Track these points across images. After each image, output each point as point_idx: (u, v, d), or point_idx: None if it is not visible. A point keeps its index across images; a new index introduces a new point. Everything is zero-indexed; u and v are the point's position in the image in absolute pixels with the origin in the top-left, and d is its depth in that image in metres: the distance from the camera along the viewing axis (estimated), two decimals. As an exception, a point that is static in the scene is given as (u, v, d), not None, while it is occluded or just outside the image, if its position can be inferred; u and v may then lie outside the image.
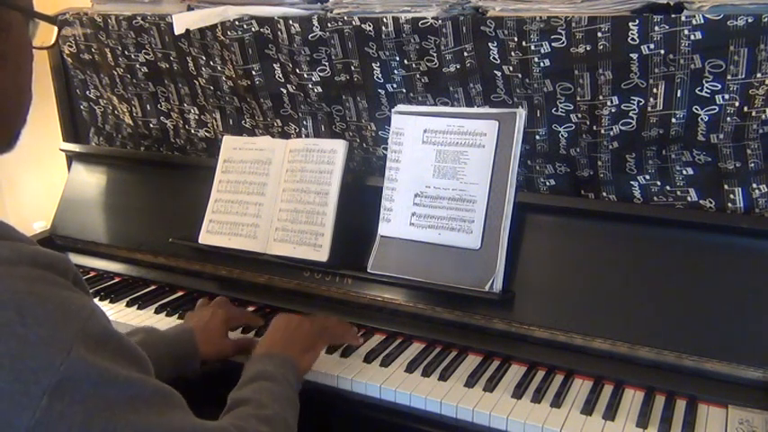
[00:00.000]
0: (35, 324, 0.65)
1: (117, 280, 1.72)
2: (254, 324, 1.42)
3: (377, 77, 1.45)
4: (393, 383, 1.23)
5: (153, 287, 1.67)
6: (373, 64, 1.44)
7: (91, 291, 1.60)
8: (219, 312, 1.35)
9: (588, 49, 1.24)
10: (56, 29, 0.88)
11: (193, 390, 0.91)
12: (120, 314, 1.52)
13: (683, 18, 1.16)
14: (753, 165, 1.22)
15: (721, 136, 1.22)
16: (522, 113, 1.33)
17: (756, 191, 1.24)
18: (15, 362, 0.64)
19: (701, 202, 1.29)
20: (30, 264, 0.69)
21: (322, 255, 1.47)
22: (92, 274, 1.76)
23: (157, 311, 1.53)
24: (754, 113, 1.18)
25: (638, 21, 1.18)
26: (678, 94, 1.21)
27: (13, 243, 0.70)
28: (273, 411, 0.97)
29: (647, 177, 1.32)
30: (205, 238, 1.62)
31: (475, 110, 1.39)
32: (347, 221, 1.49)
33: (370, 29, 1.40)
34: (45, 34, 0.87)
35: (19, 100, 0.82)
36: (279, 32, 1.50)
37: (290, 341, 1.17)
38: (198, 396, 0.89)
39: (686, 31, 1.15)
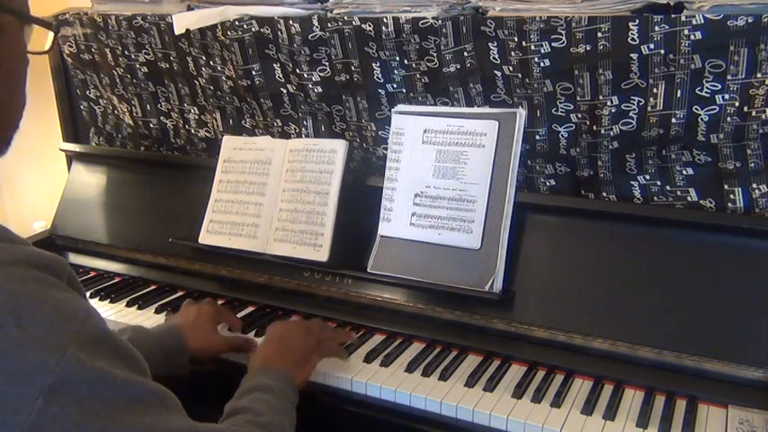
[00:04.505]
0: (30, 326, 0.64)
1: (117, 280, 1.72)
2: (235, 329, 1.41)
3: (377, 77, 1.45)
4: (393, 383, 1.23)
5: (153, 287, 1.66)
6: (373, 64, 1.44)
7: (91, 291, 1.62)
8: (205, 308, 1.35)
9: (588, 49, 1.24)
10: (52, 33, 0.86)
11: (186, 391, 0.90)
12: (120, 314, 1.52)
13: (683, 18, 1.16)
14: (753, 165, 1.22)
15: (721, 136, 1.22)
16: (522, 113, 1.33)
17: (756, 191, 1.24)
18: (9, 364, 0.63)
19: (701, 202, 1.29)
20: (25, 265, 0.68)
21: (322, 255, 1.47)
22: (92, 274, 1.76)
23: (157, 311, 1.53)
24: (754, 113, 1.18)
25: (638, 21, 1.18)
26: (678, 94, 1.21)
27: (8, 244, 0.70)
28: (271, 419, 0.96)
29: (647, 177, 1.32)
30: (205, 238, 1.62)
31: (475, 110, 1.39)
32: (347, 221, 1.49)
33: (370, 29, 1.40)
34: (41, 39, 0.85)
35: (12, 105, 0.79)
36: (279, 32, 1.50)
37: (286, 354, 1.17)
38: (191, 398, 0.88)
39: (686, 31, 1.15)
